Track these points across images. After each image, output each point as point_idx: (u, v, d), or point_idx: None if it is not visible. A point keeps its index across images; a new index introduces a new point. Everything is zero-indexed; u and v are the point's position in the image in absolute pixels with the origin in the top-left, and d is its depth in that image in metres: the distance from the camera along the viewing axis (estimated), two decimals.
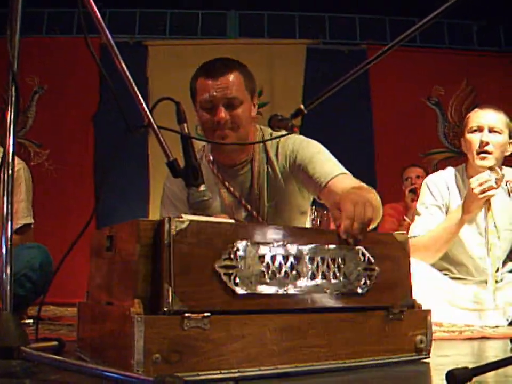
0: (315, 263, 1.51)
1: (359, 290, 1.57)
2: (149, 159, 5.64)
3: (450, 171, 3.07)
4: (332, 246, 1.54)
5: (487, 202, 2.77)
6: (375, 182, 5.59)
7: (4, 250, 1.45)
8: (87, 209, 5.62)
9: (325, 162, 2.27)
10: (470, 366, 1.33)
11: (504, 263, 2.93)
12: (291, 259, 1.47)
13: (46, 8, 5.89)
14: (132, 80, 1.67)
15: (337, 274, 1.54)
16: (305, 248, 1.50)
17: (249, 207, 2.36)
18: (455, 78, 5.98)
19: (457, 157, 5.93)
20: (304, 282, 1.48)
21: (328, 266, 1.53)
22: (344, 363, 1.51)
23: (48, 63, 5.81)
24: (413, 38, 5.60)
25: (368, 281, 1.59)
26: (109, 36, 1.68)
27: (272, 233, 1.47)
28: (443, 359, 1.73)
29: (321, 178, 2.22)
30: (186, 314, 1.30)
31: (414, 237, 2.87)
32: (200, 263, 1.35)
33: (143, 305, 1.30)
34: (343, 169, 2.26)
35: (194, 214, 1.65)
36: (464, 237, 2.91)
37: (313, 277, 1.50)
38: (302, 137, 2.38)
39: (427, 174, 5.05)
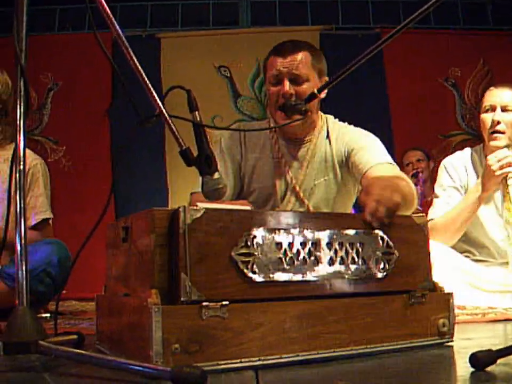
0: (333, 249, 1.49)
1: (379, 275, 1.55)
2: (165, 148, 5.64)
3: (467, 152, 3.03)
4: (350, 231, 1.52)
5: (505, 181, 2.73)
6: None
7: (18, 246, 1.43)
8: (104, 203, 5.65)
9: (371, 152, 2.32)
10: (494, 348, 1.31)
11: None
12: (309, 245, 1.46)
13: (57, 5, 5.90)
14: (142, 71, 1.66)
15: (356, 259, 1.52)
16: (323, 234, 1.48)
17: (300, 193, 2.39)
18: (471, 59, 5.90)
19: (475, 139, 5.86)
20: (322, 268, 1.47)
21: (346, 251, 1.51)
22: (366, 348, 1.49)
23: (61, 60, 5.82)
24: (427, 19, 5.55)
25: (387, 266, 1.56)
26: (119, 29, 1.67)
27: (289, 219, 1.45)
28: (466, 342, 1.71)
29: (362, 166, 2.28)
30: (204, 304, 1.29)
31: (432, 219, 2.84)
32: (216, 252, 1.33)
33: (161, 296, 1.29)
34: (389, 160, 2.30)
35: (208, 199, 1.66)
36: (484, 219, 2.88)
37: (331, 262, 1.48)
38: (360, 129, 2.47)
39: (427, 157, 5.00)
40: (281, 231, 1.42)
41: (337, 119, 2.52)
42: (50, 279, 2.62)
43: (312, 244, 1.46)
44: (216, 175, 1.65)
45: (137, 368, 1.19)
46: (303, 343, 1.41)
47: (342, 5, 5.99)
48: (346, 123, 2.50)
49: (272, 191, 2.42)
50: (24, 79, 1.57)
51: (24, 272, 1.41)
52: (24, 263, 1.41)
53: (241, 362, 1.32)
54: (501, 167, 2.65)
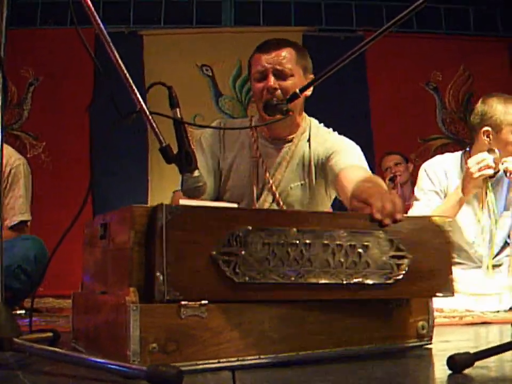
0: (330, 251, 1.42)
1: (387, 281, 1.47)
2: (148, 146, 5.61)
3: (448, 156, 3.05)
4: (351, 231, 1.45)
5: (484, 186, 2.76)
6: (374, 169, 5.56)
7: None
8: (79, 201, 5.62)
9: (347, 156, 2.31)
10: (471, 351, 1.31)
11: (502, 249, 2.92)
12: (301, 246, 1.39)
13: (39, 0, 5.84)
14: (123, 67, 1.65)
15: (358, 262, 1.45)
16: (319, 234, 1.42)
17: (276, 193, 2.38)
18: (453, 64, 5.93)
19: (454, 143, 5.90)
20: (316, 271, 1.40)
21: (346, 253, 1.44)
22: (345, 350, 1.49)
23: (42, 55, 5.76)
24: (410, 23, 5.57)
25: (397, 270, 1.49)
26: (101, 25, 1.65)
27: (280, 218, 1.41)
28: (444, 344, 1.72)
29: (336, 167, 2.27)
30: (183, 303, 1.27)
31: None
32: (196, 251, 1.30)
33: (139, 294, 1.27)
34: (363, 165, 2.30)
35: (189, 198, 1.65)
36: (462, 223, 2.90)
37: (327, 265, 1.42)
38: (342, 137, 2.45)
39: (405, 159, 5.03)
40: (270, 229, 1.37)
41: (321, 124, 2.51)
42: (26, 276, 2.60)
43: (304, 244, 1.40)
44: (196, 173, 1.63)
45: (113, 367, 1.17)
46: (282, 343, 1.39)
47: (325, 6, 5.99)
48: (331, 129, 2.48)
49: (248, 191, 2.41)
50: (2, 73, 1.55)
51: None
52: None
53: (219, 362, 1.31)
54: (479, 170, 2.67)
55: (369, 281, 1.46)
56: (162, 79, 6.00)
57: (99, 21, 1.65)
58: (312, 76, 2.39)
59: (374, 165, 5.68)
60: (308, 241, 1.40)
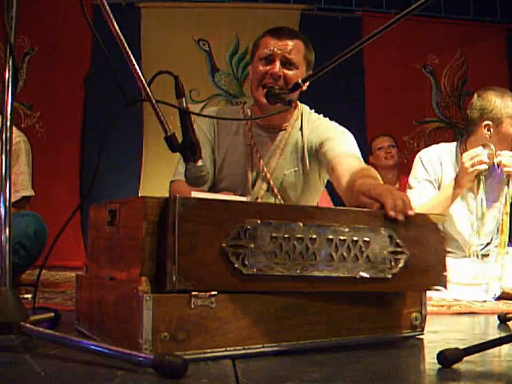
0: (333, 245, 1.48)
1: (386, 275, 1.54)
2: (143, 135, 5.63)
3: (443, 146, 3.09)
4: (354, 227, 1.51)
5: (477, 178, 2.81)
6: (366, 150, 5.59)
7: (2, 220, 1.46)
8: (72, 172, 5.65)
9: (340, 143, 2.35)
10: (459, 343, 1.38)
11: (492, 239, 2.98)
12: (306, 240, 1.44)
13: None
14: (129, 50, 1.66)
15: (359, 257, 1.51)
16: (323, 229, 1.47)
17: (271, 180, 2.41)
18: (449, 48, 5.96)
19: (448, 127, 5.95)
20: (320, 265, 1.46)
21: (348, 248, 1.49)
22: (343, 339, 1.55)
23: (39, 24, 5.70)
24: (408, 6, 5.53)
25: (396, 265, 1.55)
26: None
27: (287, 213, 1.45)
28: (433, 336, 1.77)
29: (329, 154, 2.31)
30: (194, 293, 1.32)
31: None
32: (207, 242, 1.34)
33: (150, 283, 1.31)
34: (356, 152, 2.33)
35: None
36: (454, 213, 2.95)
37: (331, 259, 1.47)
38: (334, 123, 2.48)
39: (396, 144, 5.05)
40: (278, 224, 1.41)
41: (312, 110, 2.54)
42: (25, 251, 2.63)
43: (310, 238, 1.45)
44: (200, 162, 1.66)
45: (121, 354, 1.21)
46: (285, 333, 1.45)
47: None
48: (321, 115, 2.51)
49: (242, 178, 2.44)
50: (13, 58, 1.57)
51: (7, 252, 1.43)
52: (7, 244, 1.42)
53: (226, 351, 1.36)
54: (473, 165, 2.73)
55: (369, 275, 1.52)
56: (160, 51, 6.07)
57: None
58: (311, 72, 2.41)
59: (366, 146, 5.74)
60: (313, 235, 1.45)
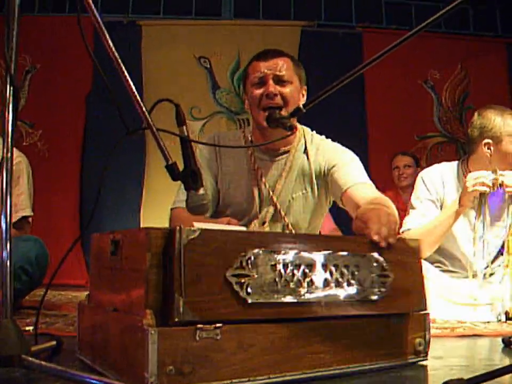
0: (328, 271, 1.51)
1: (374, 297, 1.57)
2: (145, 164, 5.66)
3: (445, 165, 3.09)
4: (345, 253, 1.54)
5: (481, 199, 2.81)
6: (367, 166, 5.60)
7: (4, 253, 1.45)
8: (73, 189, 5.66)
9: (351, 170, 2.37)
10: (463, 370, 1.36)
11: (495, 258, 2.97)
12: (303, 267, 1.47)
13: None
14: (129, 79, 1.66)
15: (351, 281, 1.54)
16: (318, 256, 1.50)
17: (278, 204, 2.41)
18: (450, 63, 5.99)
19: (450, 142, 5.96)
20: (317, 290, 1.48)
21: (342, 273, 1.53)
22: (348, 368, 1.54)
23: (40, 42, 5.76)
24: (409, 21, 5.56)
25: (382, 288, 1.59)
26: (102, 24, 1.65)
27: (285, 241, 1.46)
28: (437, 361, 1.76)
29: (343, 184, 2.32)
30: (199, 326, 1.31)
31: (408, 229, 2.90)
32: (211, 272, 1.34)
33: (154, 316, 1.30)
34: (367, 180, 2.35)
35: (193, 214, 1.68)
36: (457, 232, 2.94)
37: (326, 284, 1.50)
38: (338, 145, 2.50)
39: (416, 163, 5.08)
40: (277, 252, 1.43)
41: (314, 131, 2.54)
42: (27, 276, 2.63)
43: (307, 265, 1.47)
44: (201, 191, 1.66)
45: None
46: (290, 363, 1.44)
47: (325, 1, 6.00)
48: (323, 136, 2.52)
49: (249, 205, 2.43)
50: (14, 87, 1.57)
51: (8, 283, 1.43)
52: (8, 275, 1.42)
53: (232, 383, 1.35)
54: (474, 185, 2.73)
55: (361, 299, 1.56)
56: (160, 69, 6.10)
57: (98, 18, 1.64)
58: (305, 87, 2.43)
59: (367, 160, 5.75)
60: (309, 262, 1.48)
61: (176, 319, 1.29)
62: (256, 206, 2.41)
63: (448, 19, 5.93)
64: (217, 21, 6.01)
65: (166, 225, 2.42)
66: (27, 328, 1.82)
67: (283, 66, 2.37)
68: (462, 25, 6.01)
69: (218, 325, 1.33)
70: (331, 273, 1.51)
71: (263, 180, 2.43)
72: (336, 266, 1.52)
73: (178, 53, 5.87)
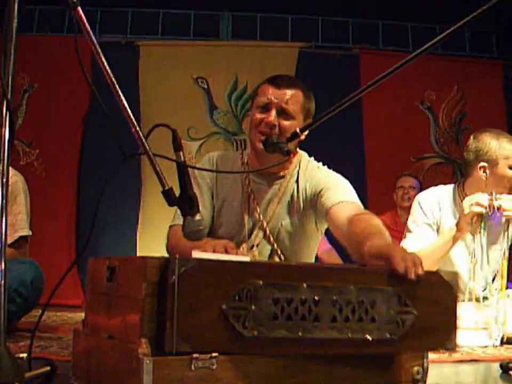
0: (338, 306, 1.44)
1: (391, 336, 1.48)
2: (141, 189, 5.66)
3: (442, 189, 3.08)
4: (361, 287, 1.46)
5: (477, 223, 2.81)
6: (365, 187, 5.60)
7: None
8: (70, 208, 5.66)
9: (337, 190, 2.31)
10: None
11: (492, 281, 2.97)
12: (309, 302, 1.41)
13: (37, 6, 5.84)
14: (126, 105, 1.67)
15: (364, 318, 1.46)
16: (327, 290, 1.43)
17: (267, 229, 2.39)
18: (447, 84, 6.01)
19: (446, 163, 5.97)
20: (322, 327, 1.42)
21: (353, 309, 1.45)
22: None
23: (38, 62, 5.78)
24: (405, 43, 5.59)
25: (401, 326, 1.50)
26: (98, 48, 1.66)
27: (289, 273, 1.42)
28: None
29: (327, 203, 2.28)
30: (195, 355, 1.30)
31: None
32: (207, 304, 1.32)
33: (149, 344, 1.29)
34: (353, 199, 2.30)
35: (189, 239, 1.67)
36: (453, 255, 2.93)
37: (334, 321, 1.43)
38: (331, 172, 2.45)
39: (420, 184, 5.08)
40: (279, 285, 1.38)
41: (312, 158, 2.52)
42: (21, 299, 2.62)
43: (313, 300, 1.41)
44: (197, 217, 1.66)
45: None
46: None
47: (322, 23, 6.03)
48: (320, 163, 2.49)
49: (240, 226, 2.41)
50: (10, 112, 1.58)
51: (1, 312, 1.42)
52: (2, 304, 1.41)
53: None
54: (470, 206, 2.73)
55: (374, 337, 1.47)
56: (157, 89, 6.10)
57: (99, 50, 1.65)
58: (310, 121, 2.38)
59: (365, 181, 5.75)
60: (316, 297, 1.42)
61: (167, 350, 1.28)
62: (246, 228, 2.40)
63: (444, 40, 5.96)
64: (215, 42, 6.03)
65: (163, 246, 2.42)
66: (21, 355, 1.81)
67: (291, 99, 2.33)
68: (457, 47, 6.03)
69: (214, 354, 1.32)
70: (340, 309, 1.44)
71: (255, 203, 2.41)
72: (348, 301, 1.45)
73: (175, 73, 5.88)
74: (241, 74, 5.85)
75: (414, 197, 4.83)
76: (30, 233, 2.96)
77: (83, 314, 3.97)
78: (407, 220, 4.74)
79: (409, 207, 4.78)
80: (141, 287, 1.32)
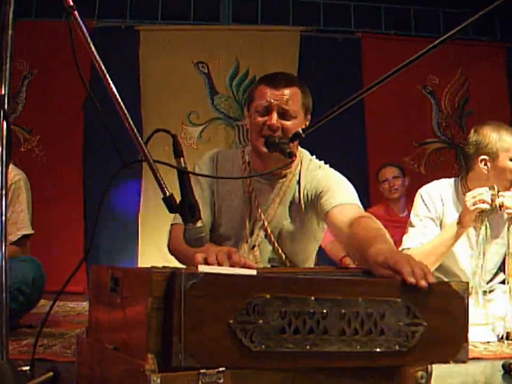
0: (346, 319, 1.42)
1: (401, 348, 1.47)
2: (140, 195, 5.64)
3: (444, 182, 3.07)
4: (369, 299, 1.44)
5: (480, 217, 2.79)
6: (367, 173, 5.57)
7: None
8: (74, 197, 5.64)
9: (337, 192, 2.29)
10: None
11: (495, 275, 2.96)
12: (317, 315, 1.40)
13: None
14: (127, 113, 1.66)
15: (373, 330, 1.44)
16: (335, 302, 1.42)
17: (268, 229, 2.38)
18: (449, 68, 5.95)
19: (449, 147, 5.93)
20: (331, 340, 1.40)
21: (362, 322, 1.43)
22: None
23: (38, 48, 5.71)
24: (408, 26, 5.53)
25: (410, 338, 1.48)
26: (100, 62, 1.65)
27: (299, 286, 1.41)
28: None
29: (326, 205, 2.27)
30: (202, 371, 1.29)
31: (408, 248, 2.87)
32: (213, 318, 1.31)
33: (156, 359, 1.28)
34: (353, 201, 2.28)
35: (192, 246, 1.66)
36: (456, 250, 2.92)
37: (343, 333, 1.41)
38: (333, 172, 2.43)
39: (403, 170, 4.99)
40: (287, 298, 1.37)
41: (313, 156, 2.50)
42: (23, 297, 2.63)
43: (321, 313, 1.40)
44: (198, 223, 1.64)
45: None
46: None
47: (324, 6, 5.97)
48: (322, 162, 2.46)
49: (240, 225, 2.40)
50: (7, 122, 1.56)
51: (4, 320, 1.42)
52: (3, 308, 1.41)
53: None
54: (474, 203, 2.71)
55: (383, 349, 1.46)
56: (158, 74, 6.06)
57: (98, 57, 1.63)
58: (309, 117, 2.37)
59: (367, 168, 5.71)
60: (325, 310, 1.41)
61: (174, 364, 1.27)
62: (247, 228, 2.38)
63: (446, 24, 5.91)
64: (215, 26, 5.97)
65: (165, 249, 2.40)
66: (23, 369, 1.81)
67: (291, 98, 2.30)
68: (461, 30, 5.96)
69: (221, 369, 1.31)
70: (349, 322, 1.42)
71: (256, 203, 2.40)
72: (356, 314, 1.43)
73: (176, 58, 5.82)
74: (242, 59, 5.80)
75: (401, 186, 4.82)
76: (32, 231, 2.97)
77: (85, 304, 3.98)
78: (398, 209, 4.77)
79: (398, 198, 4.81)
80: (147, 302, 1.31)
